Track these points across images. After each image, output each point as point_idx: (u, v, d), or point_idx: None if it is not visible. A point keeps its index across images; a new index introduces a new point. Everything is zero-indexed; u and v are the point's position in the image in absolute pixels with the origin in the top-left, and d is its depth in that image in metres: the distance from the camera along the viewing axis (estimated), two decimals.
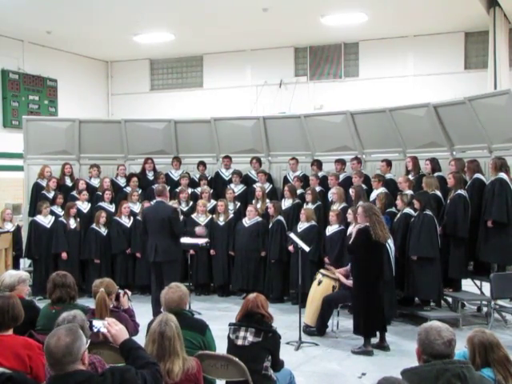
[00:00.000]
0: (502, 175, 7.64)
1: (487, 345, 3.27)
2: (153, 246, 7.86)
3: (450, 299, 8.35)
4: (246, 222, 9.38)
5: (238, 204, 9.96)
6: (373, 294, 6.59)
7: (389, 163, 9.37)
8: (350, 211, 7.97)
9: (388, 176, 9.19)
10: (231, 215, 9.70)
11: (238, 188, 10.28)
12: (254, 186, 10.15)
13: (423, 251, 7.57)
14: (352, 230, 7.28)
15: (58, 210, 9.83)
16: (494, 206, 7.56)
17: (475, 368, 3.08)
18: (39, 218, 9.62)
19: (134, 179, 10.33)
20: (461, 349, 3.39)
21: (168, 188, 8.55)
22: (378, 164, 9.62)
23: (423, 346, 2.93)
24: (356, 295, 6.76)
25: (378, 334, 6.77)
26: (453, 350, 2.92)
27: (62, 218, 9.60)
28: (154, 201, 8.45)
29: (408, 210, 7.96)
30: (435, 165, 8.69)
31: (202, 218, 9.65)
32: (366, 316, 6.58)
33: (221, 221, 9.62)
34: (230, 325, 4.44)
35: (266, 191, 9.99)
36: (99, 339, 3.62)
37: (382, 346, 6.72)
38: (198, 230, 8.84)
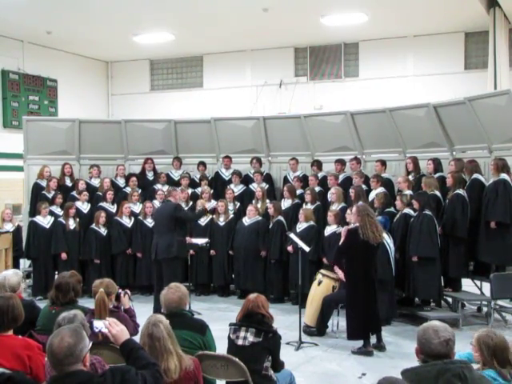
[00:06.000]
0: (505, 176, 7.64)
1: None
2: (154, 245, 8.14)
3: (450, 299, 8.34)
4: (246, 220, 9.37)
5: (238, 204, 9.96)
6: (363, 295, 6.54)
7: (383, 163, 9.36)
8: (349, 211, 7.95)
9: (384, 176, 9.18)
10: (231, 215, 9.70)
11: (237, 188, 10.28)
12: (251, 186, 10.20)
13: (423, 251, 7.56)
14: (341, 229, 7.23)
15: (58, 210, 9.83)
16: (498, 207, 7.55)
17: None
18: (38, 219, 9.61)
19: (133, 179, 10.33)
20: (462, 349, 3.39)
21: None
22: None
23: (421, 345, 2.94)
24: (348, 297, 6.72)
25: (373, 334, 6.75)
26: (450, 350, 2.92)
27: (61, 219, 9.59)
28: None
29: (407, 211, 7.95)
30: (437, 165, 8.69)
31: (202, 218, 9.64)
32: (360, 318, 6.55)
33: (221, 221, 9.62)
34: (231, 325, 4.44)
35: None
36: (99, 339, 3.62)
37: (379, 346, 6.70)
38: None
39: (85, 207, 10.00)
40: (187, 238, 8.34)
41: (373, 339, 6.72)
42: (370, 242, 6.46)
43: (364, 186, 8.85)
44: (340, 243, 6.78)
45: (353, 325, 6.62)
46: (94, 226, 9.60)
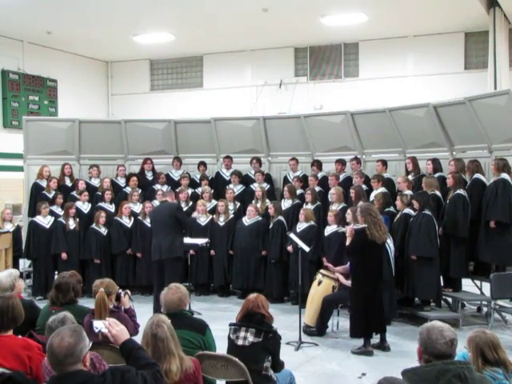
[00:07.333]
0: (505, 176, 7.64)
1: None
2: (156, 245, 8.06)
3: (450, 299, 8.35)
4: (246, 221, 9.37)
5: (238, 204, 9.96)
6: (371, 294, 6.56)
7: (384, 163, 9.37)
8: (349, 211, 7.95)
9: (385, 176, 9.18)
10: (231, 215, 9.70)
11: (237, 188, 10.28)
12: (252, 186, 10.20)
13: (422, 251, 7.56)
14: (345, 229, 7.24)
15: (58, 210, 9.82)
16: (497, 206, 7.55)
17: (476, 368, 3.08)
18: (38, 219, 9.61)
19: (134, 179, 10.33)
20: (461, 349, 3.39)
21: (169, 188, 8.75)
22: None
23: (425, 345, 2.93)
24: (354, 296, 6.73)
25: (377, 334, 6.76)
26: (454, 350, 2.92)
27: (61, 219, 9.59)
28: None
29: (408, 211, 7.95)
30: (437, 165, 8.69)
31: (202, 218, 9.64)
32: (365, 317, 6.56)
33: (221, 221, 9.62)
34: (231, 325, 4.43)
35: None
36: (99, 339, 3.62)
37: (383, 346, 6.71)
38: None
39: (85, 207, 10.00)
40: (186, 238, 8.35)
41: (376, 339, 6.73)
42: (376, 241, 6.50)
43: (364, 186, 8.85)
44: (347, 244, 6.78)
45: (356, 323, 6.64)
46: (94, 225, 9.60)
